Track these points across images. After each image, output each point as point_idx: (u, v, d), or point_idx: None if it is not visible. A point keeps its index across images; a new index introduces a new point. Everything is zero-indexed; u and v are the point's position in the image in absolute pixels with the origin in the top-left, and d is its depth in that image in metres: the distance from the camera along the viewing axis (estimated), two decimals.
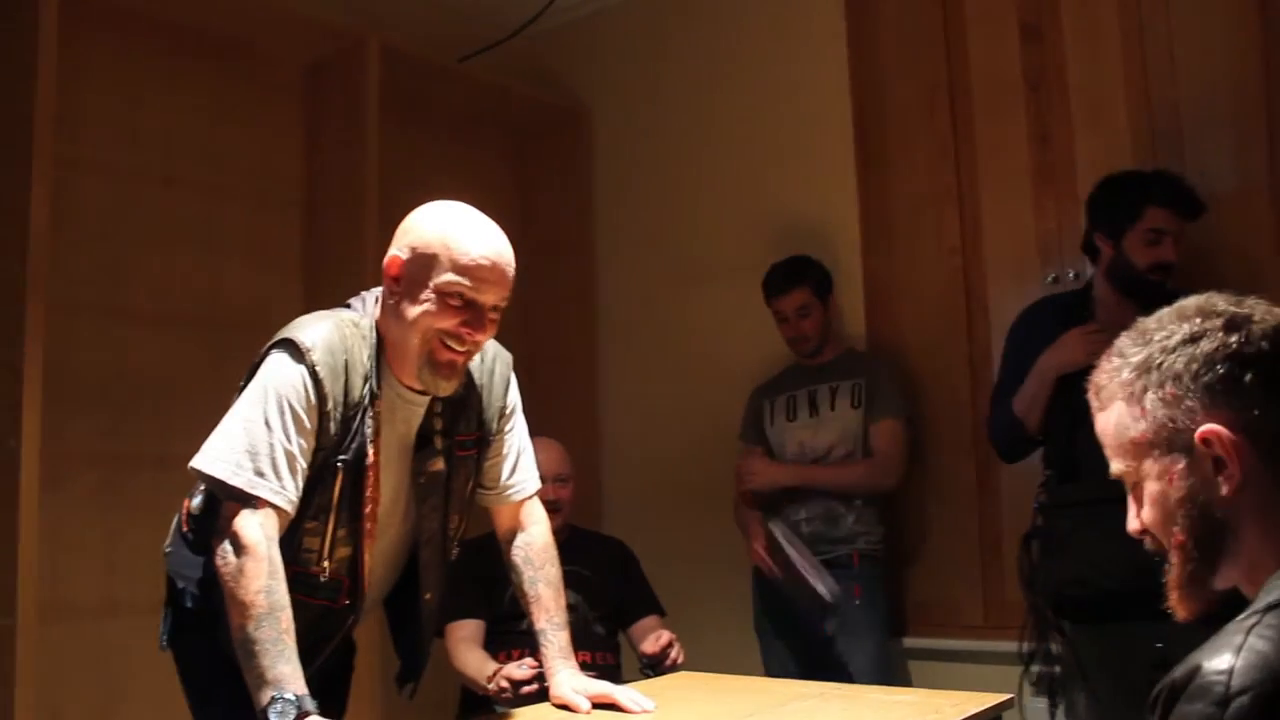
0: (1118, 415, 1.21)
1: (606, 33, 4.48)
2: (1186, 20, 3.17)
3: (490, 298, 1.83)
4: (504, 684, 2.50)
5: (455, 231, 1.83)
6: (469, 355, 1.88)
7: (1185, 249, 2.69)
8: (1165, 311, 1.21)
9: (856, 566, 3.33)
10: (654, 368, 4.21)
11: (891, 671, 3.36)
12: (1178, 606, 1.22)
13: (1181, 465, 1.16)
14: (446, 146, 4.17)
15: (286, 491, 1.77)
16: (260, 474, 1.75)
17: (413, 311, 1.83)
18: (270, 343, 1.86)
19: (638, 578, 3.18)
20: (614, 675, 2.82)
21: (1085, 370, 2.68)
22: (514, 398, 2.15)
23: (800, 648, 3.33)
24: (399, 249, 1.86)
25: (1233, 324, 1.15)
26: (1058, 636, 2.65)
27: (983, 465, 3.46)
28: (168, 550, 2.02)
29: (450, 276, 1.80)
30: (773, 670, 3.36)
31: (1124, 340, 1.23)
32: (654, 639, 2.74)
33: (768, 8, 4.03)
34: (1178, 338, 1.17)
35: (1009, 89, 3.48)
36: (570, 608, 3.01)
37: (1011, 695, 2.10)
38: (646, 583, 3.18)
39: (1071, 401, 2.72)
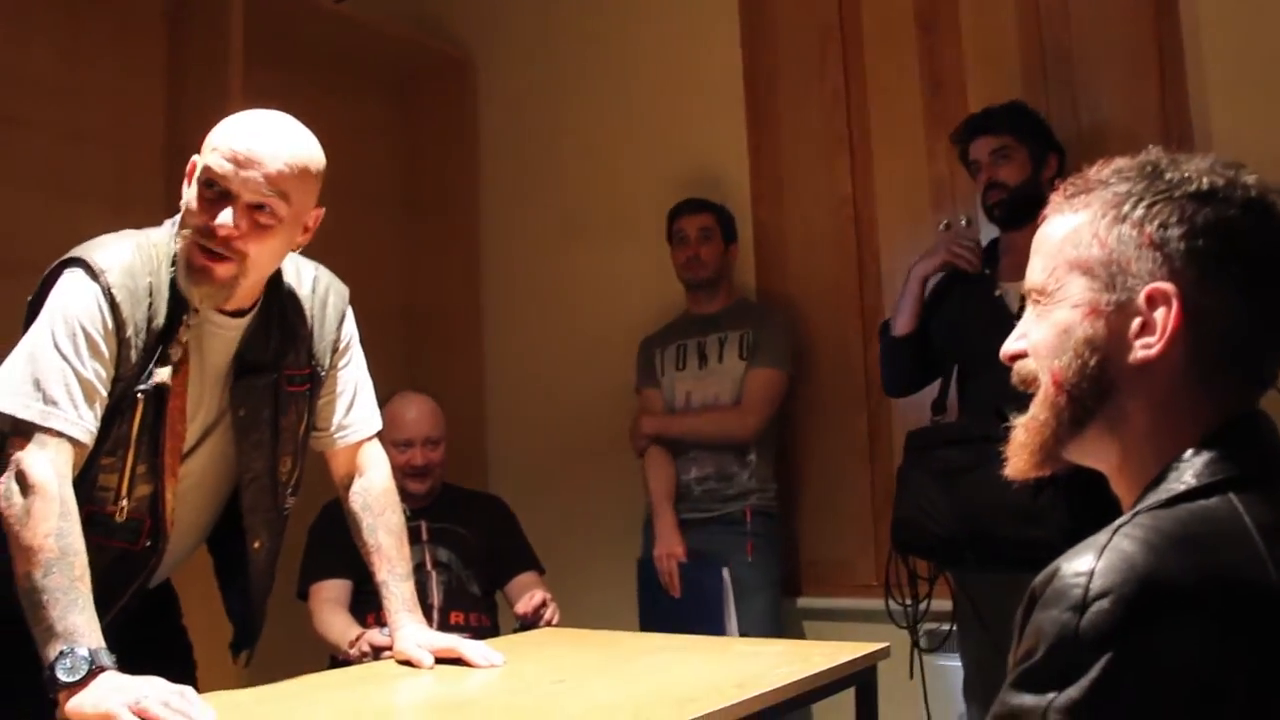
0: (1074, 227, 1.05)
1: None
2: None
3: (245, 189, 1.64)
4: (366, 649, 2.37)
5: (229, 123, 1.67)
6: (232, 263, 1.67)
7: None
8: (1190, 159, 1.04)
9: (749, 523, 3.23)
10: (540, 322, 4.07)
11: (784, 632, 3.27)
12: (1015, 456, 1.08)
13: (1105, 310, 1.01)
14: (322, 92, 3.97)
15: (84, 421, 1.60)
16: (53, 402, 1.58)
17: (183, 209, 1.69)
18: (60, 260, 1.69)
19: (514, 534, 3.06)
20: (489, 636, 2.69)
21: (969, 327, 2.66)
22: (349, 331, 1.98)
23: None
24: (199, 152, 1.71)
25: (1255, 206, 1.00)
26: (910, 574, 2.62)
27: (875, 419, 3.40)
28: None
29: (203, 160, 1.65)
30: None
31: (1127, 161, 1.06)
32: (527, 598, 2.63)
33: None
34: (1191, 188, 0.99)
35: (901, 34, 3.41)
36: (444, 566, 2.91)
37: (887, 645, 2.00)
38: (524, 539, 3.06)
39: (961, 348, 2.68)
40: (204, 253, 1.66)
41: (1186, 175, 1.01)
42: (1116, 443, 1.03)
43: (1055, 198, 1.09)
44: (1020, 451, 1.08)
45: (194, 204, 1.66)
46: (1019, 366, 1.10)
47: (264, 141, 1.65)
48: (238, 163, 1.63)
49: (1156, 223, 0.99)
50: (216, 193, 1.64)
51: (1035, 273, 1.08)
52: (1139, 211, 1.00)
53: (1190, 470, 0.96)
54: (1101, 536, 0.91)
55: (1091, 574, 0.87)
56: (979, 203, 2.79)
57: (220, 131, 1.67)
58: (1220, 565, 0.89)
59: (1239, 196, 0.99)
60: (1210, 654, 0.85)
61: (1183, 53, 2.86)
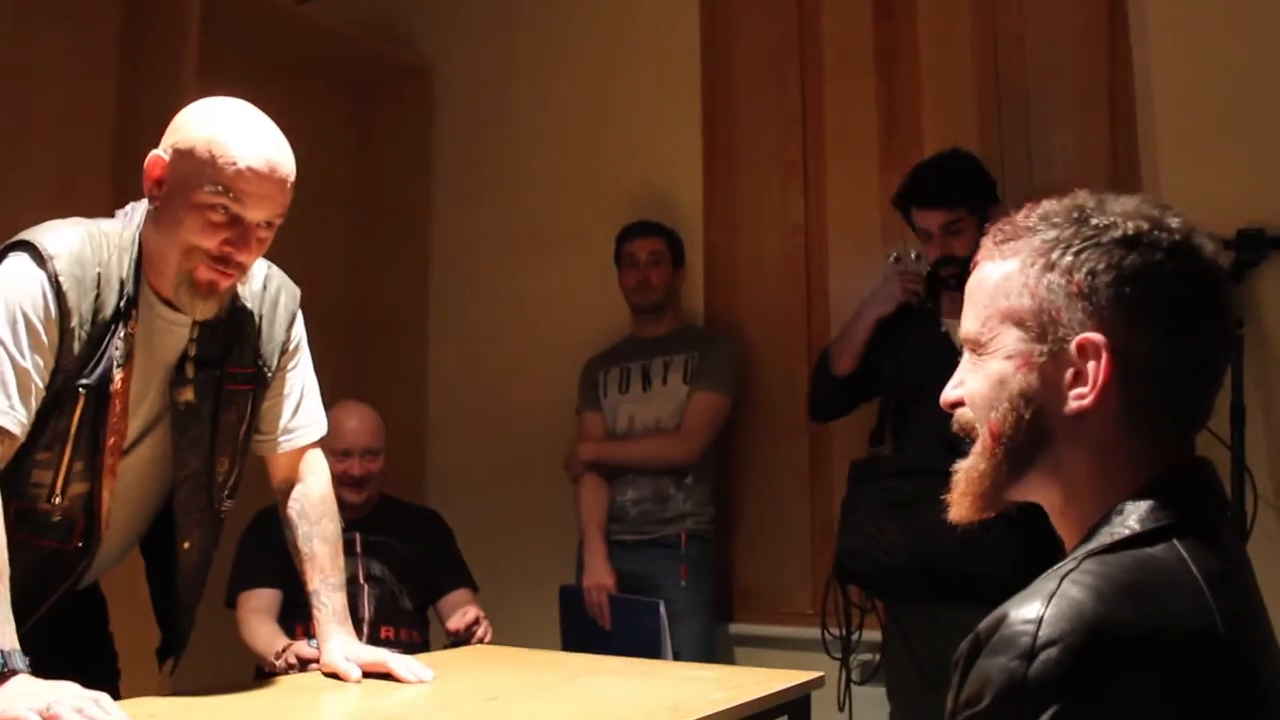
0: (1004, 275, 1.04)
1: None
2: (1037, 3, 3.17)
3: (259, 214, 1.64)
4: (293, 660, 2.31)
5: (224, 135, 1.62)
6: (233, 277, 1.69)
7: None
8: (1117, 199, 1.03)
9: (684, 547, 3.22)
10: (486, 336, 4.03)
11: (716, 657, 3.25)
12: (957, 502, 1.08)
13: (1038, 362, 1.00)
14: (278, 95, 3.80)
15: (16, 412, 1.56)
16: None
17: (173, 225, 1.63)
18: (7, 243, 1.64)
19: (450, 550, 3.02)
20: (419, 653, 2.65)
21: (913, 360, 2.67)
22: (299, 334, 1.95)
23: None
24: (163, 149, 1.66)
25: (1180, 250, 0.99)
26: (856, 612, 2.62)
27: (817, 448, 3.41)
28: None
29: (213, 188, 1.60)
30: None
31: (1054, 205, 1.05)
32: (460, 615, 2.60)
33: None
34: (1117, 233, 0.99)
35: (860, 64, 3.43)
36: (377, 580, 2.86)
37: (821, 674, 1.99)
38: (459, 556, 3.01)
39: (902, 382, 2.69)
40: (212, 270, 1.64)
41: (1113, 221, 1.00)
42: (1058, 485, 1.03)
43: (986, 243, 1.08)
44: (962, 499, 1.07)
45: (195, 225, 1.62)
46: (959, 415, 1.09)
47: (267, 163, 1.63)
48: (253, 193, 1.61)
49: (1084, 270, 0.98)
50: (228, 217, 1.62)
51: (969, 322, 1.07)
52: (1067, 259, 0.99)
53: (1134, 515, 0.96)
54: (1049, 583, 0.90)
55: (1040, 621, 0.86)
56: (924, 269, 2.77)
57: (221, 153, 1.60)
58: (1167, 614, 0.88)
59: (1164, 240, 0.99)
60: (1157, 703, 0.84)
61: (1134, 91, 2.91)
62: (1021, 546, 2.14)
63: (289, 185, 1.67)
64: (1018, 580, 0.97)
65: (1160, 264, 0.98)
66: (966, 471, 1.07)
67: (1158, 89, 2.80)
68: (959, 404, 1.09)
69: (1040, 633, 0.86)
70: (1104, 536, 0.95)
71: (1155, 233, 0.99)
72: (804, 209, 3.49)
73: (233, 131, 1.63)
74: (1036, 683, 0.84)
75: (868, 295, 2.85)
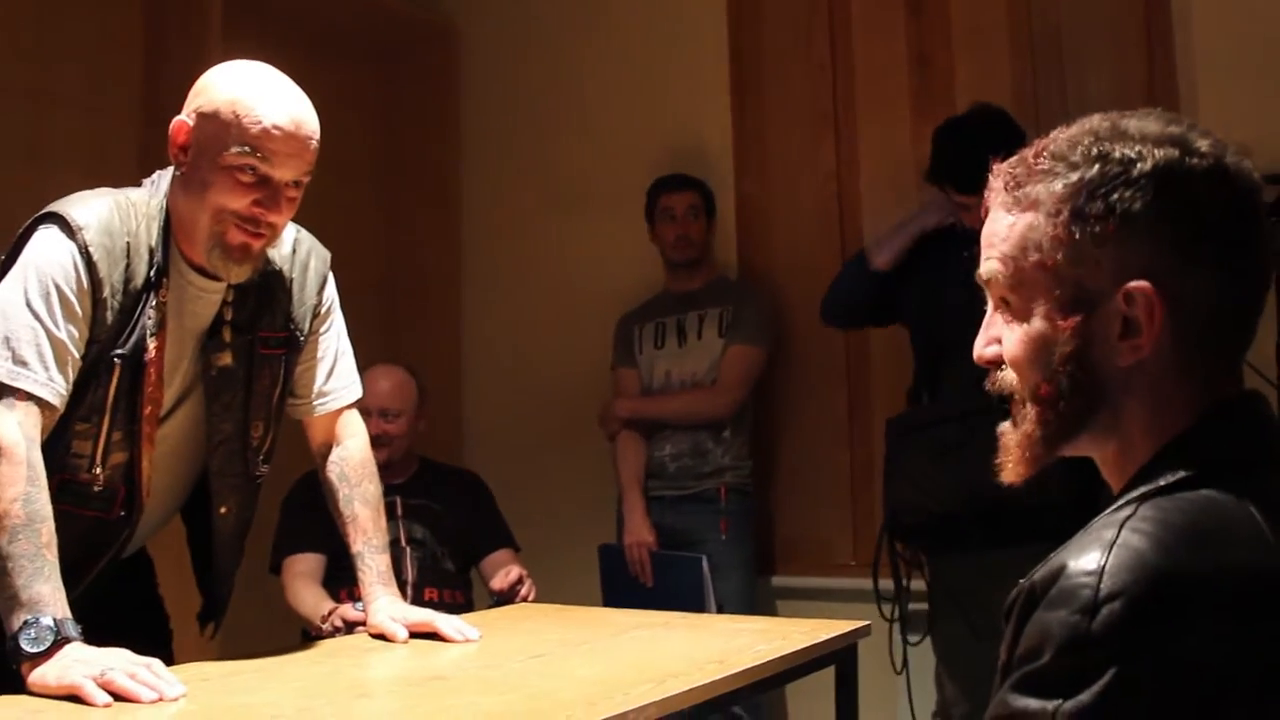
0: (1029, 227, 0.97)
1: None
2: None
3: (287, 172, 1.63)
4: (338, 624, 2.32)
5: (248, 96, 1.62)
6: (265, 238, 1.68)
7: None
8: (1133, 119, 0.95)
9: (724, 501, 3.22)
10: (519, 296, 4.01)
11: (757, 610, 3.24)
12: (1013, 464, 1.02)
13: (1081, 317, 0.94)
14: (303, 58, 3.83)
15: (55, 384, 1.56)
16: (23, 363, 1.54)
17: (200, 188, 1.63)
18: (36, 216, 1.64)
19: (490, 511, 3.02)
20: (463, 614, 2.66)
21: (947, 304, 2.63)
22: (330, 296, 1.94)
23: None
24: (186, 114, 1.66)
25: (1215, 175, 0.92)
26: (904, 564, 2.60)
27: (855, 398, 3.39)
28: None
29: (240, 149, 1.60)
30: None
31: (1068, 142, 0.96)
32: (503, 575, 2.60)
33: None
34: (1146, 166, 0.91)
35: (889, 10, 3.38)
36: (419, 542, 2.87)
37: (867, 623, 1.98)
38: (500, 516, 3.02)
39: (936, 330, 2.66)
40: (243, 232, 1.64)
41: (1137, 152, 0.93)
42: (1114, 438, 0.99)
43: (995, 185, 1.02)
44: (1015, 463, 1.03)
45: (224, 187, 1.62)
46: (1001, 378, 1.04)
47: (300, 124, 1.64)
48: (281, 151, 1.61)
49: (1118, 214, 0.92)
50: (256, 178, 1.62)
51: (993, 269, 1.01)
52: (1097, 204, 0.92)
53: (1187, 455, 0.92)
54: (1108, 531, 0.86)
55: (1101, 573, 0.83)
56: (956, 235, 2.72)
57: (246, 112, 1.60)
58: (1231, 558, 0.85)
59: (1199, 167, 0.92)
60: (1225, 650, 0.81)
61: (1171, 30, 2.85)
62: (1076, 472, 2.11)
63: (314, 143, 1.66)
64: (1076, 509, 0.93)
65: (1197, 195, 0.92)
66: (1017, 437, 1.02)
67: (1197, 20, 2.73)
68: (996, 361, 1.04)
69: (1102, 585, 0.82)
70: (1156, 479, 0.91)
71: (1187, 160, 0.92)
72: (835, 157, 3.45)
73: (257, 91, 1.63)
74: (1100, 637, 0.81)
75: (916, 209, 2.82)
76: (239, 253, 1.66)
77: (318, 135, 1.67)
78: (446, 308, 4.15)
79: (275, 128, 1.60)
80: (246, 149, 1.60)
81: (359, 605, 2.12)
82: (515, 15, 4.11)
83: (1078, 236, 0.93)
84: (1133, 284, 0.92)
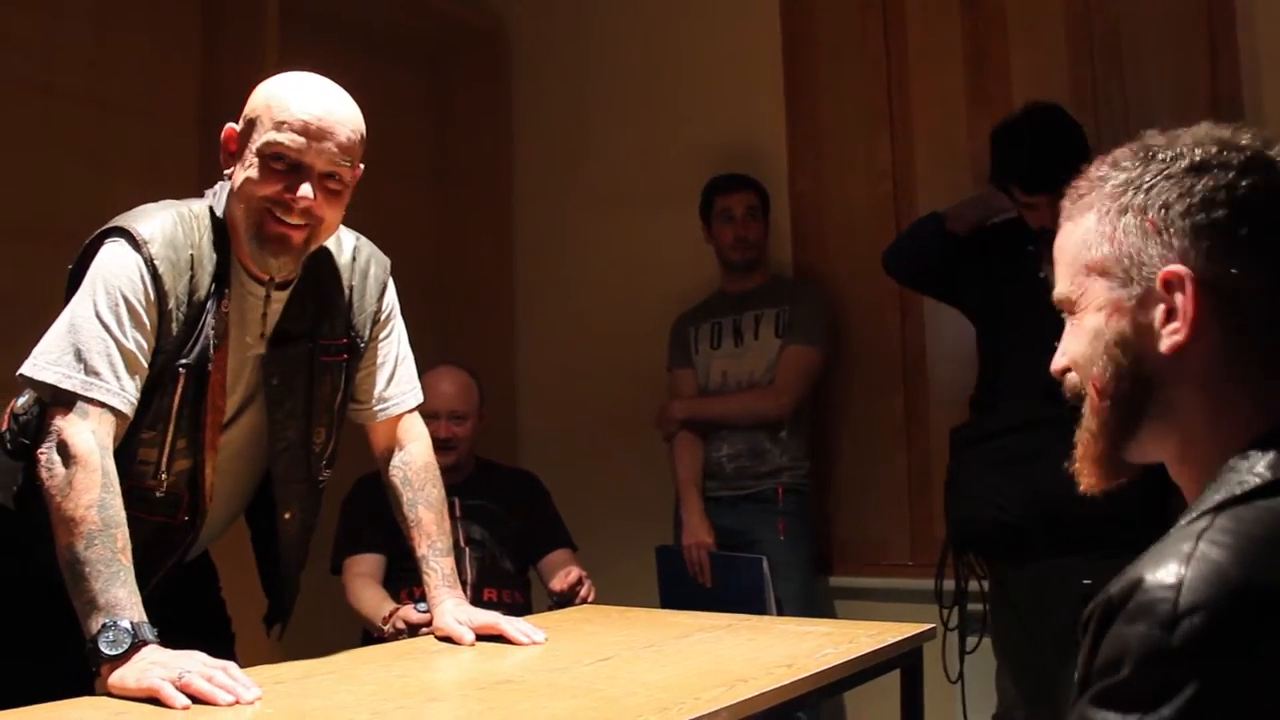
0: (1084, 230, 1.02)
1: None
2: None
3: (319, 160, 1.65)
4: (400, 625, 2.34)
5: (282, 90, 1.66)
6: (305, 231, 1.68)
7: None
8: (1189, 131, 1.00)
9: (781, 501, 3.22)
10: (573, 296, 4.03)
11: (816, 611, 3.24)
12: (1083, 471, 1.05)
13: (1128, 308, 0.98)
14: (357, 63, 3.88)
15: (126, 393, 1.59)
16: (95, 373, 1.57)
17: (241, 185, 1.67)
18: (101, 230, 1.67)
19: (548, 511, 3.03)
20: (523, 614, 2.67)
21: (1009, 303, 2.60)
22: (390, 302, 1.96)
23: None
24: (235, 122, 1.70)
25: (1253, 165, 0.95)
26: (967, 573, 2.58)
27: (912, 399, 3.36)
28: None
29: (270, 135, 1.63)
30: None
31: (1123, 150, 1.03)
32: (563, 575, 2.60)
33: None
34: (1184, 163, 0.96)
35: (943, 4, 3.35)
36: (477, 543, 2.88)
37: (933, 626, 1.98)
38: (557, 516, 3.02)
39: (998, 327, 2.64)
40: (279, 222, 1.66)
41: (1180, 151, 0.98)
42: (1175, 434, 0.99)
43: (1065, 204, 1.07)
44: (1085, 466, 1.05)
45: (257, 176, 1.64)
46: (1067, 380, 1.07)
47: (329, 111, 1.66)
48: (309, 135, 1.63)
49: (1158, 205, 0.96)
50: (287, 165, 1.64)
51: (1061, 285, 1.05)
52: (1139, 198, 0.98)
53: (1262, 462, 0.91)
54: (1184, 544, 0.85)
55: (1179, 586, 0.82)
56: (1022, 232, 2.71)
57: (278, 103, 1.65)
58: None
59: (1236, 159, 0.96)
60: None
61: (1235, 28, 2.80)
62: (1144, 485, 2.09)
63: (347, 132, 1.67)
64: (1145, 522, 0.93)
65: (1234, 183, 0.95)
66: (1081, 435, 1.04)
67: (1259, 19, 2.69)
68: (1066, 370, 1.06)
69: (1181, 599, 0.81)
70: (1232, 486, 0.90)
71: (1225, 153, 0.96)
72: (891, 155, 3.43)
73: (291, 88, 1.67)
74: (1181, 652, 0.80)
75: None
76: (276, 244, 1.67)
77: (355, 127, 1.69)
78: (500, 310, 4.17)
79: (304, 114, 1.64)
80: (275, 135, 1.63)
81: (420, 606, 2.15)
82: (566, 16, 4.12)
83: (1123, 230, 0.99)
84: (1168, 270, 0.95)
